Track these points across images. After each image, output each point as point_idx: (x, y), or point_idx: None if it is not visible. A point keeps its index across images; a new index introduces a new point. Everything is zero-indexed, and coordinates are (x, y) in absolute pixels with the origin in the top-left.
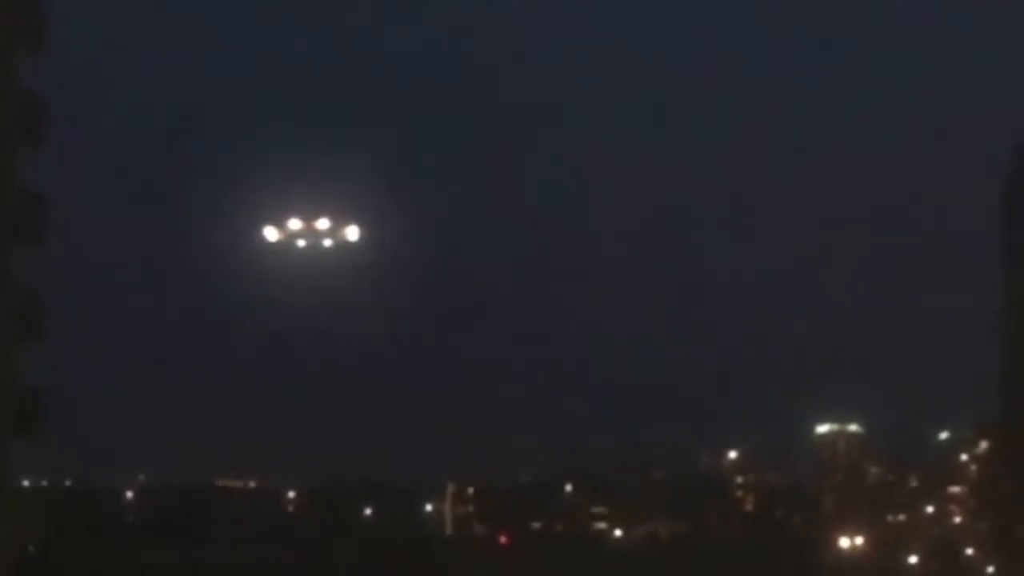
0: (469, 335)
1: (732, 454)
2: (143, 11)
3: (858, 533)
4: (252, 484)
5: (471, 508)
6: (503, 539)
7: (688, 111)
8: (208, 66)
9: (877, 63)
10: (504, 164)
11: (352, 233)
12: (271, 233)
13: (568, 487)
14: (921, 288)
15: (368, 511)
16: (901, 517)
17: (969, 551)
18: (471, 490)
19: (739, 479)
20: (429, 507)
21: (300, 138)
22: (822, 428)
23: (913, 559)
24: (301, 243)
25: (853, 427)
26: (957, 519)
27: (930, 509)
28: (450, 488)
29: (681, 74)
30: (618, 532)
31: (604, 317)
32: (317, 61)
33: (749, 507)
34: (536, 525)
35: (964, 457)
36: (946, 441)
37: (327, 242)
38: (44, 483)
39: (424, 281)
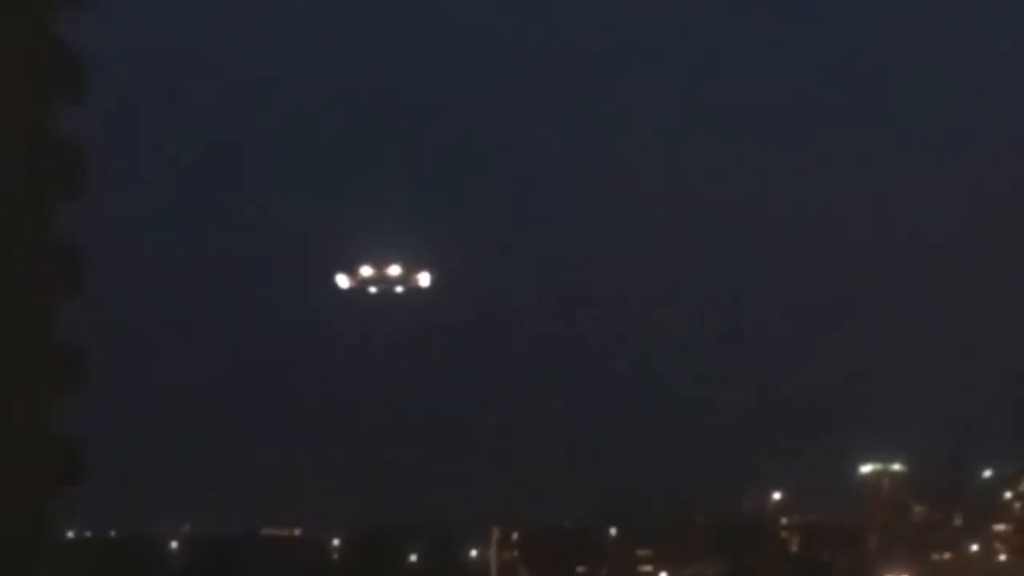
0: (510, 377)
1: (776, 495)
2: (189, 50)
3: (904, 572)
4: (297, 532)
5: (516, 553)
6: None
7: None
8: (267, 103)
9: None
10: (538, 205)
11: (424, 279)
12: (343, 280)
13: (612, 530)
14: (964, 324)
15: (413, 557)
16: (946, 555)
17: None
18: (515, 535)
19: (784, 520)
20: (474, 552)
21: (369, 180)
22: (866, 468)
23: None
24: (372, 289)
25: (896, 466)
26: (1002, 557)
27: (975, 547)
28: (494, 533)
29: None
30: (664, 575)
31: (644, 358)
32: (393, 99)
33: (794, 548)
34: (581, 569)
35: (1008, 495)
36: (990, 479)
37: (398, 288)
38: (88, 534)
39: (466, 323)
